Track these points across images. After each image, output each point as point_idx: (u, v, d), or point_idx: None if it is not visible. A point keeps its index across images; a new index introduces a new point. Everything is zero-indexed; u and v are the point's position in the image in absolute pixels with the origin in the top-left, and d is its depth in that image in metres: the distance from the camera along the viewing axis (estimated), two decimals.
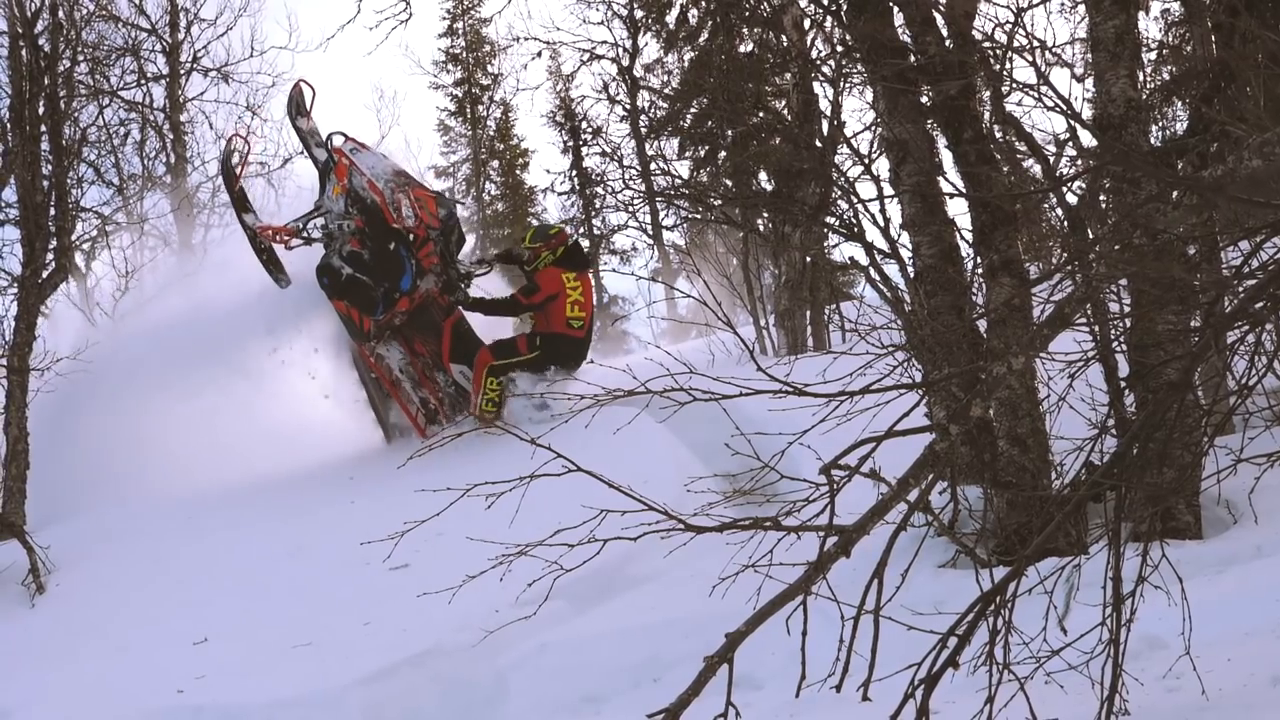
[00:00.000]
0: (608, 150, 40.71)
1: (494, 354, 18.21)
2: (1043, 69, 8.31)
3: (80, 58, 24.34)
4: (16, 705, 12.35)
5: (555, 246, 18.56)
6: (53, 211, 21.35)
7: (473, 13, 45.47)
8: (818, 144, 19.32)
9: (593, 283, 18.84)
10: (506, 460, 16.47)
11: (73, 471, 18.74)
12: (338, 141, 18.69)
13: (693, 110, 27.78)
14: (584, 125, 42.06)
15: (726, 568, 7.03)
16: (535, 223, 19.72)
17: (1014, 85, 10.04)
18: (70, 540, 17.21)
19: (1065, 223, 11.36)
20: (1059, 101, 7.54)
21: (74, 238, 23.77)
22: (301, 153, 20.01)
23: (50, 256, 20.94)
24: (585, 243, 42.44)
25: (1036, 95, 7.90)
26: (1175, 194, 7.90)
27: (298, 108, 19.59)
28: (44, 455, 19.12)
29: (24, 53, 20.92)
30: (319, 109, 19.87)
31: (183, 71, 29.45)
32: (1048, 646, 6.05)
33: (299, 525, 17.11)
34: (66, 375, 18.24)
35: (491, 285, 19.72)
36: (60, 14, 22.48)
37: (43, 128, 21.34)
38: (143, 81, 28.47)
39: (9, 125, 20.87)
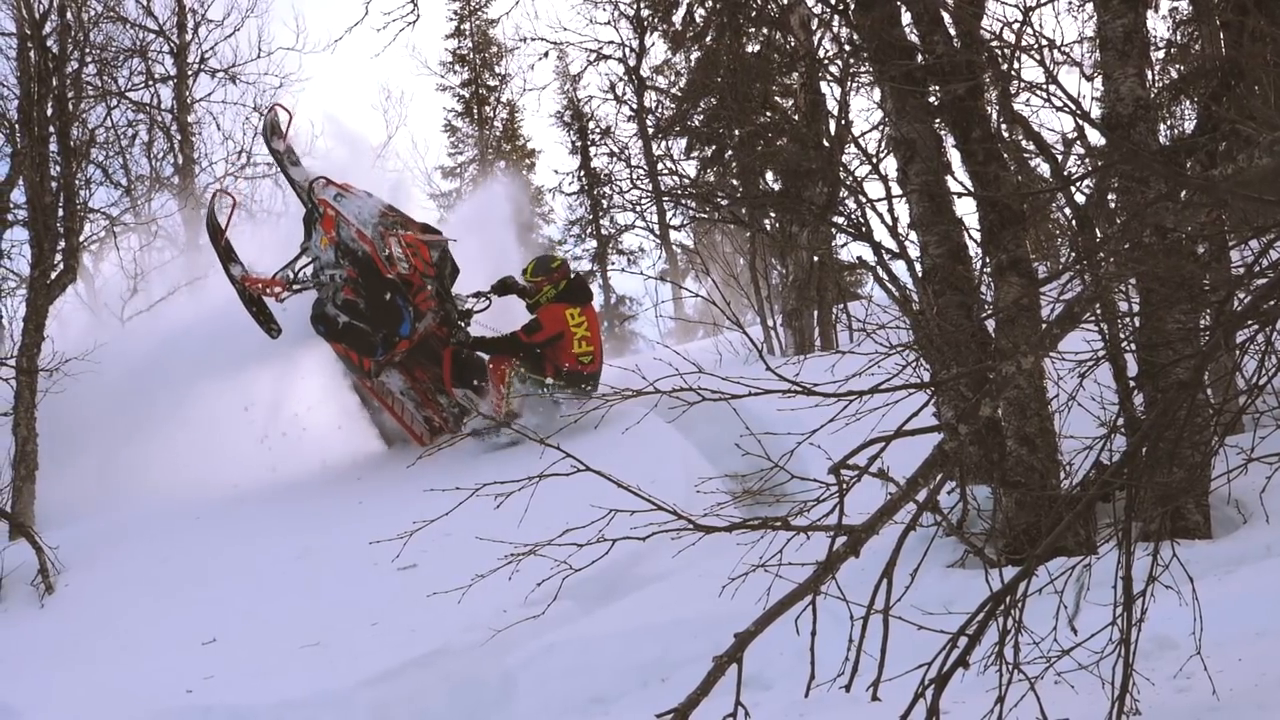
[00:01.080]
0: (615, 150, 40.73)
1: (520, 363, 18.01)
2: (1051, 68, 8.29)
3: (88, 59, 24.37)
4: (26, 705, 12.36)
5: (558, 280, 18.29)
6: (61, 212, 21.37)
7: (480, 14, 45.49)
8: (825, 143, 19.27)
9: (597, 313, 18.46)
10: (515, 460, 16.55)
11: (82, 473, 18.73)
12: (321, 191, 18.32)
13: (700, 110, 27.79)
14: (592, 125, 42.10)
15: (735, 568, 7.02)
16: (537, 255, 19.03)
17: (1022, 84, 10.03)
18: (79, 541, 17.23)
19: (1073, 222, 11.33)
20: (1067, 101, 7.52)
21: (82, 238, 23.80)
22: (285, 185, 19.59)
23: (59, 257, 20.95)
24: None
25: (1045, 95, 7.89)
26: (1184, 193, 7.88)
27: (273, 130, 19.25)
28: (53, 456, 19.12)
29: (32, 54, 20.92)
30: (322, 141, 19.69)
31: (190, 73, 29.51)
32: (1058, 646, 6.04)
33: (307, 526, 17.11)
34: (75, 376, 18.23)
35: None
36: (68, 15, 22.49)
37: (51, 129, 21.35)
38: (150, 83, 28.53)
39: (18, 126, 20.91)
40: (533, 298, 18.28)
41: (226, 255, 18.01)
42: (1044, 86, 7.79)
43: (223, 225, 18.00)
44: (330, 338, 18.34)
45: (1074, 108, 7.69)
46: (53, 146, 21.48)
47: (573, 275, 18.54)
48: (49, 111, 21.28)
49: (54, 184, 21.30)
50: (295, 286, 18.27)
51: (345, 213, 17.87)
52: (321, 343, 18.65)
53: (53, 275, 20.64)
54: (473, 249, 19.93)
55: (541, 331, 17.83)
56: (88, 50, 24.13)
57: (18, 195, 20.69)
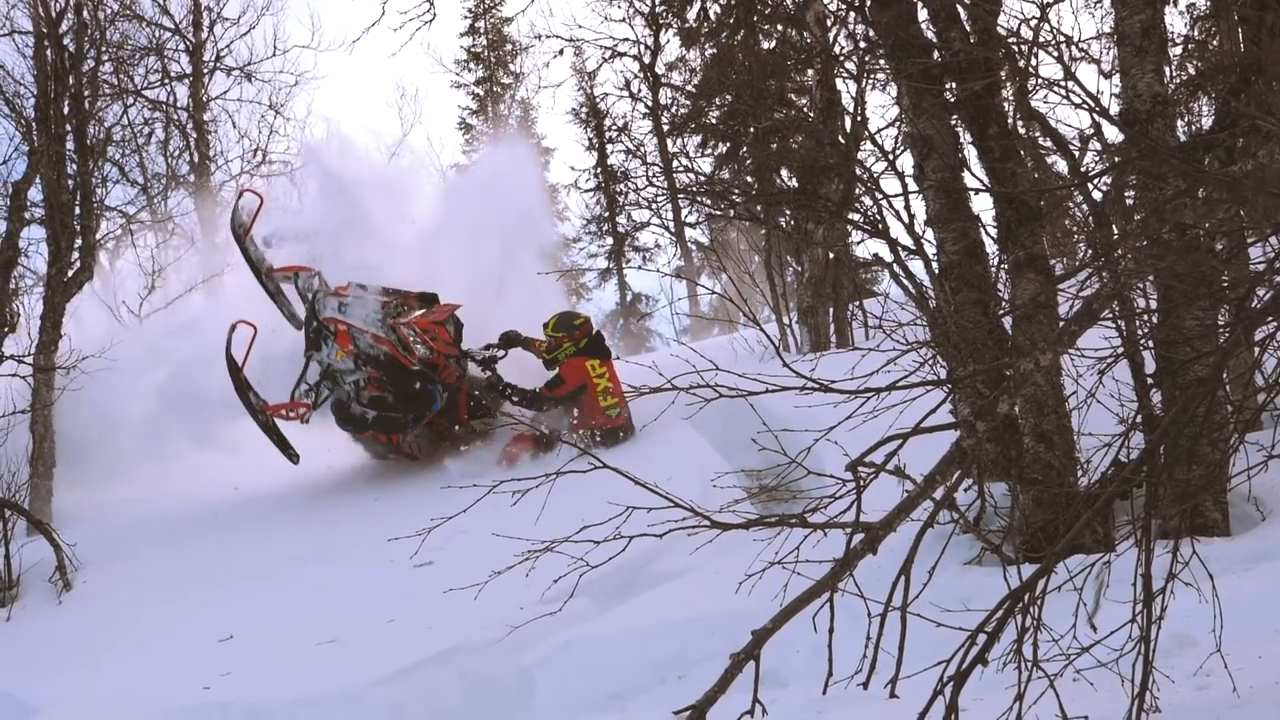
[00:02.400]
0: (631, 147, 40.68)
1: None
2: (1069, 64, 8.27)
3: (105, 57, 24.36)
4: (44, 702, 12.39)
5: (579, 338, 18.04)
6: (78, 210, 21.40)
7: (495, 12, 45.49)
8: (841, 140, 19.24)
9: (616, 367, 18.07)
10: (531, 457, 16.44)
11: (99, 470, 18.74)
12: (324, 308, 17.98)
13: (714, 107, 27.76)
14: (608, 122, 42.07)
15: (752, 565, 7.01)
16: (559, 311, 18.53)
17: (1040, 81, 10.01)
18: (97, 538, 17.26)
19: (1091, 219, 11.30)
20: (1085, 97, 7.50)
21: (99, 236, 23.82)
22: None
23: (76, 255, 20.98)
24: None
25: (1064, 91, 7.86)
26: (1203, 189, 7.86)
27: (241, 224, 18.64)
28: (70, 454, 19.14)
29: (49, 52, 20.96)
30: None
31: (206, 71, 29.50)
32: (1077, 644, 6.03)
33: (323, 523, 17.13)
34: (93, 374, 18.25)
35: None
36: (85, 14, 22.52)
37: (68, 127, 21.39)
38: (166, 81, 28.55)
39: (35, 124, 20.93)
40: (550, 353, 18.04)
41: (244, 386, 17.68)
42: (1062, 83, 7.77)
43: (240, 359, 17.61)
44: (359, 431, 18.26)
45: (1092, 104, 7.67)
46: (69, 145, 21.52)
47: (594, 333, 18.34)
48: (66, 110, 21.32)
49: (71, 182, 21.33)
50: (319, 402, 18.15)
51: (355, 323, 17.67)
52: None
53: (70, 273, 20.67)
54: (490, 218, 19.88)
55: (564, 386, 17.59)
56: (104, 48, 24.16)
57: (35, 193, 20.68)
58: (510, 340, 18.41)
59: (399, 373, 17.66)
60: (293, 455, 17.85)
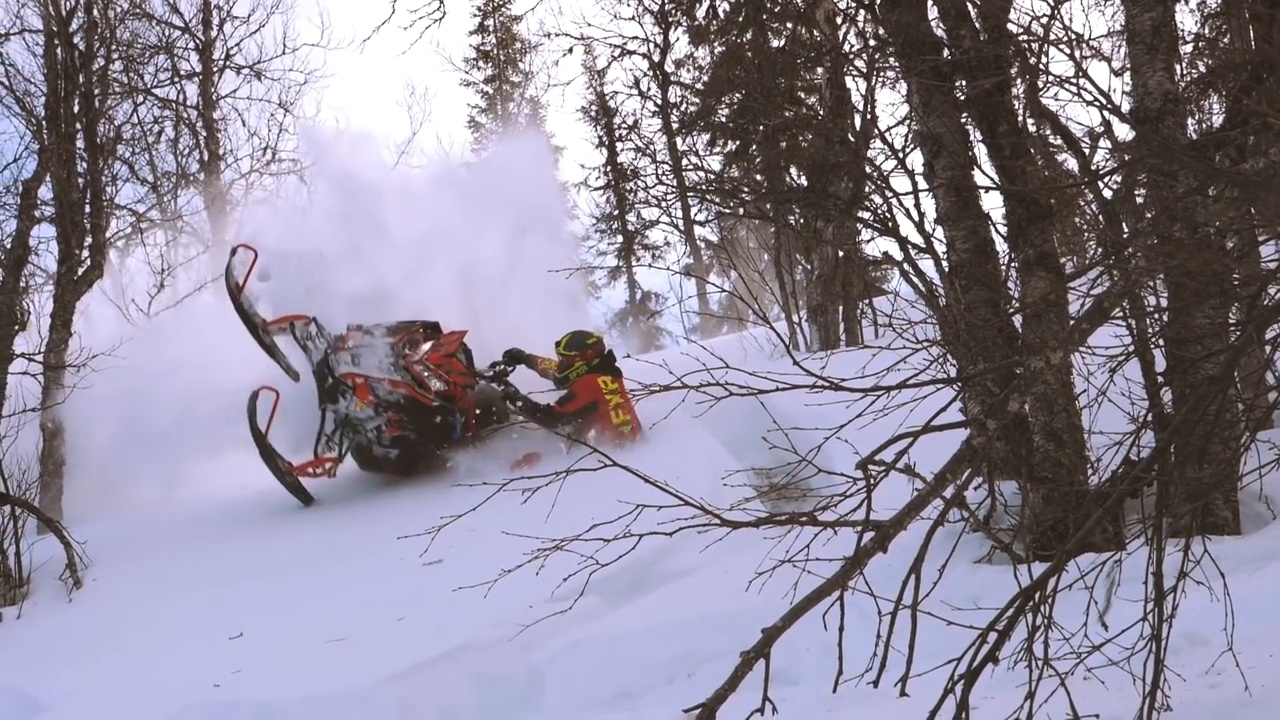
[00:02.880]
0: (641, 145, 40.69)
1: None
2: (1080, 61, 8.26)
3: (114, 55, 24.40)
4: (54, 699, 12.40)
5: (591, 358, 18.08)
6: (88, 209, 21.44)
7: (504, 10, 45.50)
8: (851, 138, 19.22)
9: (627, 365, 18.00)
10: (548, 453, 16.48)
11: (109, 469, 18.76)
12: (339, 363, 17.91)
13: (724, 105, 27.76)
14: (618, 120, 42.06)
15: (762, 563, 7.01)
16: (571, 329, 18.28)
17: (1051, 79, 9.99)
18: (107, 536, 17.28)
19: (1101, 217, 11.28)
20: (1097, 95, 7.49)
21: (109, 235, 23.85)
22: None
23: (85, 254, 21.02)
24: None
25: (1075, 88, 7.85)
26: (1213, 187, 7.84)
27: (235, 282, 18.21)
28: (81, 452, 19.16)
29: (59, 51, 21.01)
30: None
31: (216, 69, 29.51)
32: (1088, 642, 6.02)
33: (332, 521, 17.15)
34: (103, 371, 18.26)
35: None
36: (95, 12, 22.57)
37: (78, 125, 21.44)
38: (176, 79, 28.54)
39: (45, 123, 20.96)
40: (562, 371, 18.09)
41: (270, 453, 17.54)
42: (1073, 80, 7.75)
43: (264, 427, 17.51)
44: (382, 471, 18.29)
45: (1104, 101, 7.66)
46: (79, 143, 21.56)
47: (606, 352, 18.29)
48: (76, 108, 21.38)
49: (81, 180, 21.38)
50: (342, 453, 18.16)
51: (371, 373, 17.68)
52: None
53: (79, 271, 20.72)
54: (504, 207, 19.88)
55: (575, 401, 17.58)
56: (114, 47, 24.21)
57: (45, 192, 20.71)
58: (515, 358, 18.54)
59: (419, 411, 17.75)
60: (306, 499, 17.83)
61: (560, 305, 19.88)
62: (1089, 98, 7.71)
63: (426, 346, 18.15)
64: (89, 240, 21.20)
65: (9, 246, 19.68)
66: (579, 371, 18.01)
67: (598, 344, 18.30)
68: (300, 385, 18.00)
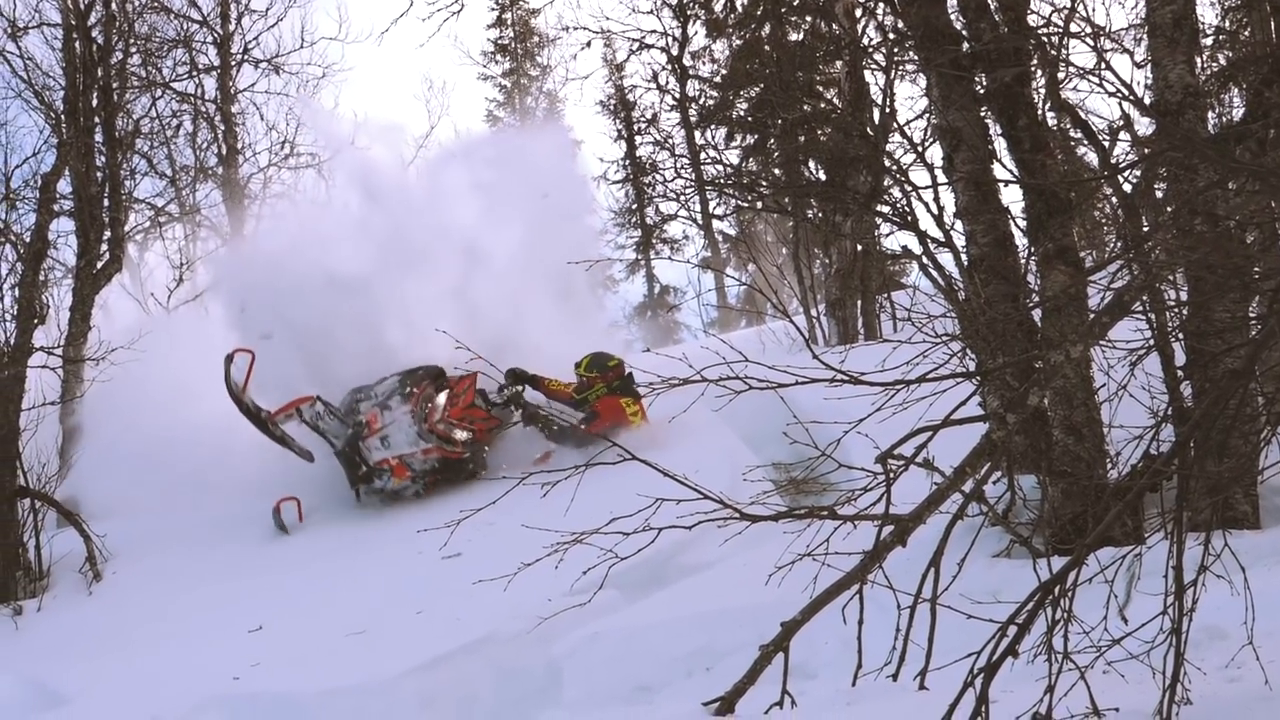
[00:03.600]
0: (659, 139, 40.63)
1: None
2: (1102, 53, 8.24)
3: (133, 49, 24.43)
4: (75, 692, 12.43)
5: (611, 380, 18.17)
6: (106, 203, 21.47)
7: (522, 3, 45.43)
8: (869, 132, 19.18)
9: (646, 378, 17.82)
10: (561, 449, 16.48)
11: (129, 462, 18.75)
12: (370, 451, 17.60)
13: (743, 99, 27.73)
14: (637, 114, 42.00)
15: (781, 557, 7.02)
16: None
17: (1072, 70, 9.96)
18: (126, 529, 17.32)
19: (1120, 210, 11.25)
20: (1120, 86, 7.48)
21: (127, 229, 23.88)
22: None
23: (104, 247, 21.06)
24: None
25: (1097, 80, 7.84)
26: (1233, 181, 7.83)
27: (235, 385, 17.61)
28: (100, 445, 19.16)
29: (78, 45, 21.02)
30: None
31: (234, 63, 29.49)
32: (1108, 636, 6.01)
33: (352, 515, 17.18)
34: (122, 365, 18.27)
35: None
36: (113, 6, 22.59)
37: (96, 119, 21.46)
38: (194, 73, 28.54)
39: (63, 117, 20.98)
40: (580, 393, 18.20)
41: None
42: (1095, 72, 7.74)
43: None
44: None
45: (1126, 93, 7.65)
46: (98, 137, 21.59)
47: (626, 374, 18.24)
48: (94, 102, 21.39)
49: (99, 174, 21.40)
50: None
51: (404, 450, 17.68)
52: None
53: (98, 265, 20.75)
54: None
55: (599, 422, 17.49)
56: (132, 41, 24.22)
57: (64, 186, 20.74)
58: (519, 378, 18.57)
59: (452, 464, 17.92)
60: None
61: (580, 312, 19.88)
62: (1111, 89, 7.70)
63: (442, 400, 18.10)
64: (108, 234, 21.22)
65: (28, 240, 19.69)
66: (599, 393, 18.11)
67: (618, 366, 18.35)
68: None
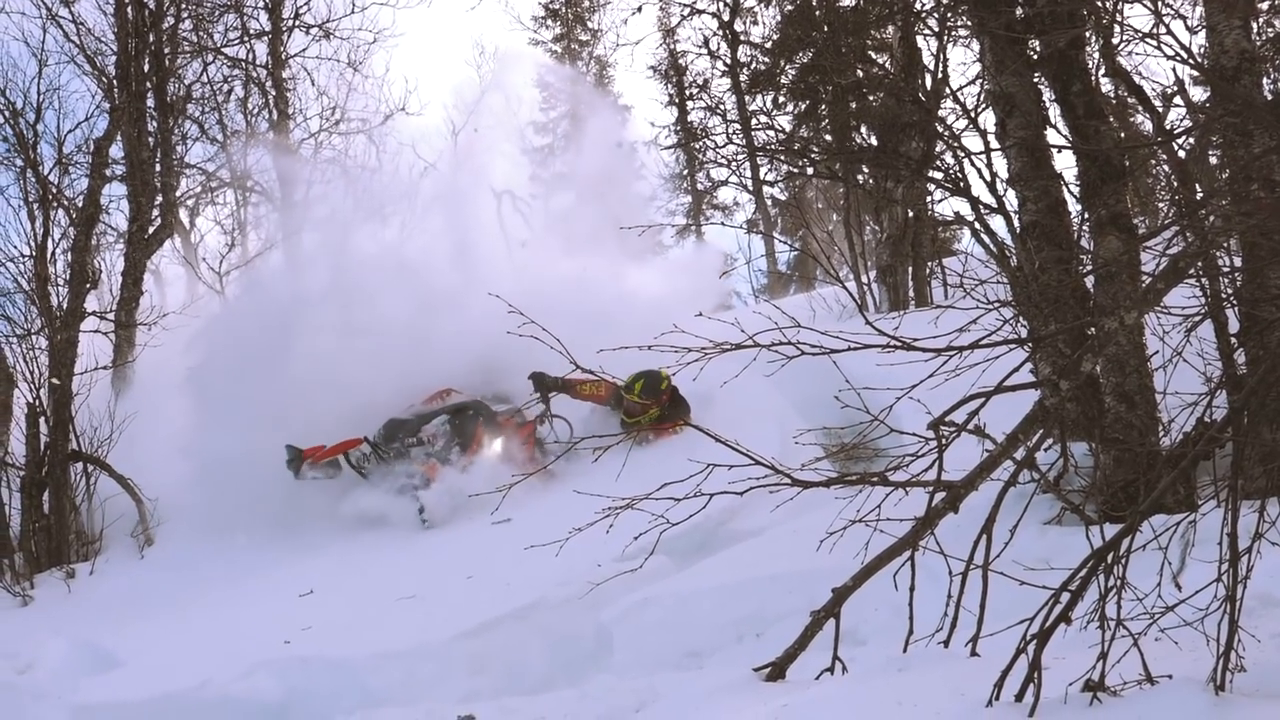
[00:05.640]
0: (711, 105, 40.51)
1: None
2: (1160, 14, 8.17)
3: (184, 14, 24.43)
4: (129, 654, 12.53)
5: (664, 403, 17.35)
6: (158, 167, 21.56)
7: None
8: (922, 98, 19.08)
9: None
10: (611, 415, 16.43)
11: (180, 426, 18.83)
12: (427, 502, 16.58)
13: (794, 64, 27.60)
14: (689, 80, 41.85)
15: (831, 523, 7.00)
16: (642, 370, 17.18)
17: (1130, 34, 9.87)
18: (178, 494, 17.40)
19: (1174, 177, 11.17)
20: (1179, 49, 7.41)
21: (179, 193, 23.97)
22: None
23: (156, 212, 21.14)
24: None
25: (1155, 42, 7.77)
26: None
27: (296, 467, 17.31)
28: (155, 412, 19.24)
29: (129, 10, 21.07)
30: None
31: (285, 28, 29.48)
32: (1161, 603, 5.98)
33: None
34: (174, 330, 18.38)
35: None
36: None
37: (148, 84, 21.52)
38: (245, 38, 28.55)
39: (116, 82, 21.06)
40: (632, 416, 17.39)
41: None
42: (1153, 34, 7.67)
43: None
44: None
45: (1185, 55, 7.58)
46: (150, 102, 21.65)
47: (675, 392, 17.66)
48: (146, 67, 21.45)
49: (151, 139, 21.47)
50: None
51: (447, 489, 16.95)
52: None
53: (150, 230, 20.84)
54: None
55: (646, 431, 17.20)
56: (184, 6, 24.23)
57: (116, 151, 20.82)
58: (543, 384, 17.85)
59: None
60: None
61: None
62: (1170, 52, 7.63)
63: (499, 446, 17.68)
64: (159, 199, 21.31)
65: (80, 205, 19.80)
66: (652, 417, 17.35)
67: (670, 388, 17.49)
68: None
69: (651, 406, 17.40)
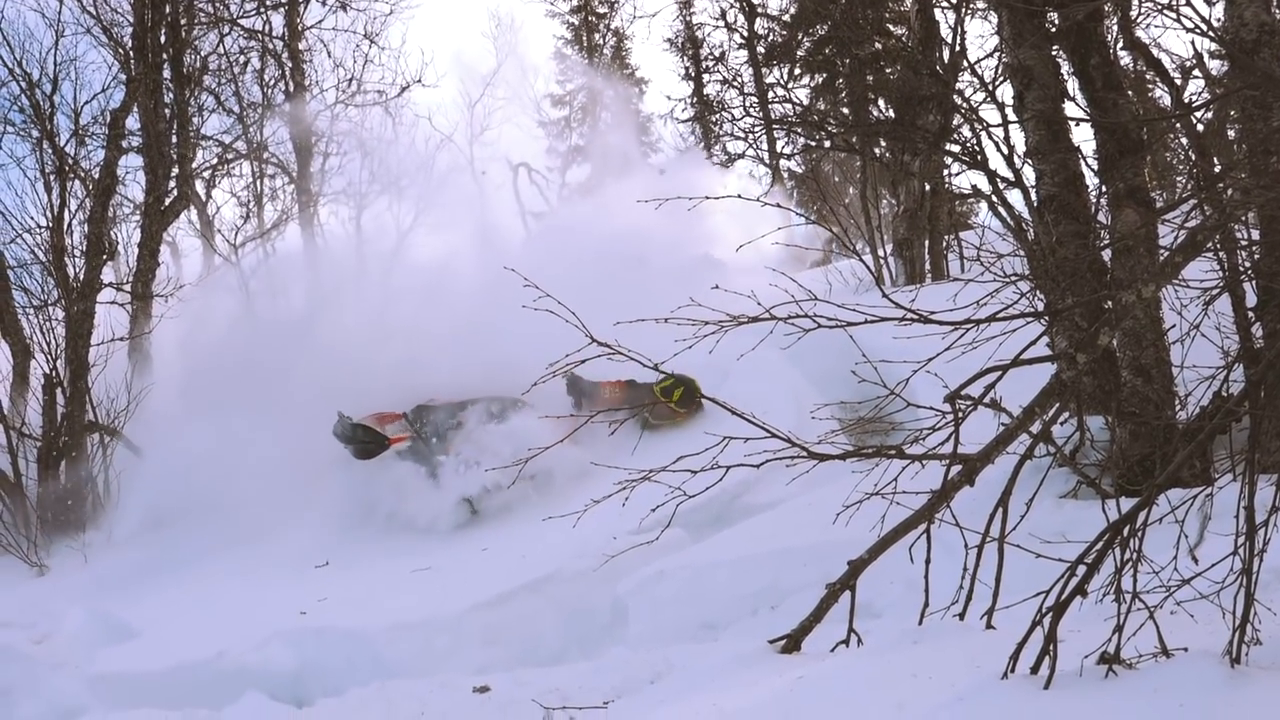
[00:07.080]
0: (727, 78, 40.41)
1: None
2: None
3: None
4: (145, 624, 12.58)
5: (696, 410, 17.03)
6: (174, 139, 21.54)
7: None
8: (939, 71, 19.02)
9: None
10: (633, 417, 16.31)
11: (197, 395, 18.85)
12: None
13: (811, 37, 27.54)
14: (706, 52, 41.74)
15: (847, 496, 6.99)
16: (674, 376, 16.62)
17: (1148, 6, 9.82)
18: (194, 465, 17.42)
19: (1191, 150, 11.14)
20: (1199, 21, 7.37)
21: (195, 165, 23.96)
22: None
23: (172, 184, 21.14)
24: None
25: (1175, 14, 7.74)
26: None
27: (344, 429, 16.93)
28: (172, 384, 19.27)
29: None
30: None
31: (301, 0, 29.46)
32: (1177, 576, 5.97)
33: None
34: (189, 301, 18.41)
35: None
36: None
37: (164, 56, 21.51)
38: (262, 9, 28.50)
39: (132, 53, 21.04)
40: (658, 419, 16.87)
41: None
42: (1172, 7, 7.64)
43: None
44: None
45: (1204, 29, 7.54)
46: (166, 73, 21.64)
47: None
48: (162, 38, 21.43)
49: (167, 111, 21.46)
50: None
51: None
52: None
53: (166, 202, 20.84)
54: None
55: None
56: None
57: (132, 122, 20.82)
58: (576, 387, 17.26)
59: None
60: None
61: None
62: (1188, 25, 7.60)
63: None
64: (175, 170, 21.30)
65: (97, 176, 19.82)
66: (679, 422, 17.08)
67: (700, 395, 16.49)
68: None
69: (683, 417, 17.20)
